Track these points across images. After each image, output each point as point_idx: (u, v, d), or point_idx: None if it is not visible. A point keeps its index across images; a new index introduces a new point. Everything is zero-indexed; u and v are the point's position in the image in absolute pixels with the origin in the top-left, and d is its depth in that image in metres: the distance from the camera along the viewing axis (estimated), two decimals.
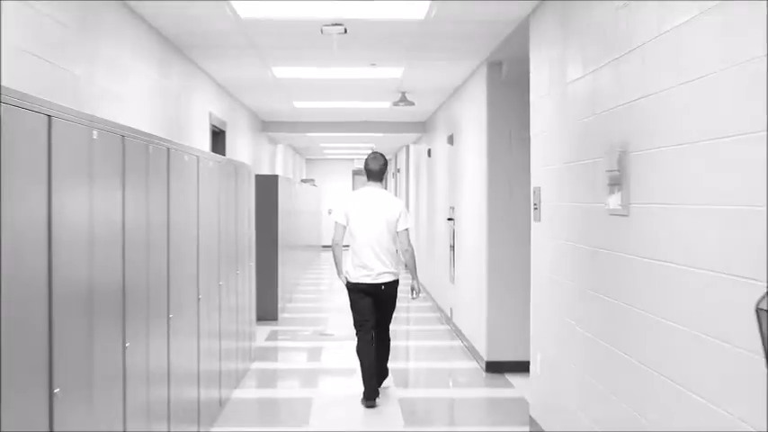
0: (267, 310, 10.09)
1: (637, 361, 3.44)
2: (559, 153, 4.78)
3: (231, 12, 5.70)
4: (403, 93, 9.61)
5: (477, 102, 7.83)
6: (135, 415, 3.59)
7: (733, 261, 2.62)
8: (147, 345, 3.81)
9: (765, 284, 2.39)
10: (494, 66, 7.31)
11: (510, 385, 6.82)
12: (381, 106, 11.22)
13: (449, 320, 9.85)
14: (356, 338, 6.35)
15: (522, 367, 6.53)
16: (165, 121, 6.58)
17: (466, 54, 7.26)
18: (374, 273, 6.22)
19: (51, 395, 2.65)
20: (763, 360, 2.34)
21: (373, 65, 7.93)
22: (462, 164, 8.95)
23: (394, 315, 6.58)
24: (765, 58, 2.42)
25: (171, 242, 4.24)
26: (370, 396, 6.17)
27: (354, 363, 6.58)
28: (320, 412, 6.03)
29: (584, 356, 4.25)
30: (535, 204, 5.36)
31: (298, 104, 11.16)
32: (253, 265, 7.47)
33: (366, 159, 6.51)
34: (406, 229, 6.36)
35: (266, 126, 13.47)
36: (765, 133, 2.42)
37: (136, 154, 3.63)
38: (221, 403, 5.85)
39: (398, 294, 6.50)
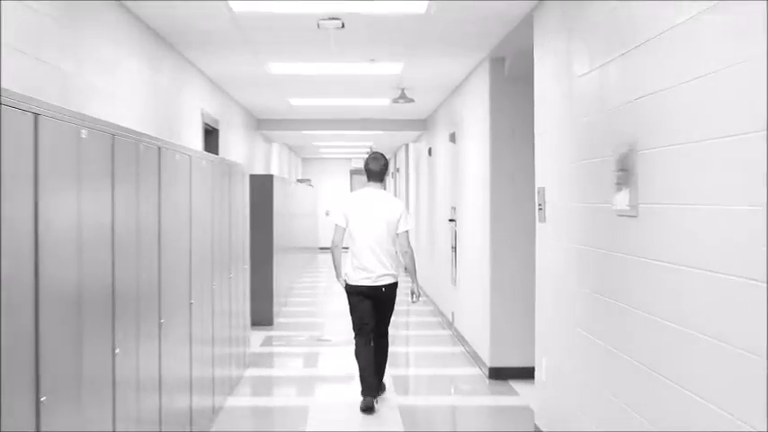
0: (262, 315, 10.09)
1: (648, 368, 3.44)
2: (565, 152, 4.78)
3: (224, 5, 5.70)
4: (402, 89, 9.61)
5: (480, 98, 7.84)
6: (125, 424, 3.59)
7: (750, 264, 2.61)
8: (137, 351, 3.80)
9: None
10: (496, 61, 7.31)
11: (514, 393, 6.82)
12: (380, 103, 11.21)
13: (450, 325, 9.85)
14: (354, 342, 6.40)
15: (526, 374, 6.52)
16: (156, 119, 6.58)
17: (467, 49, 7.26)
18: (374, 275, 6.27)
19: (38, 403, 2.65)
20: None
21: (372, 61, 7.93)
22: (464, 163, 8.95)
23: (393, 319, 6.61)
24: None
25: (162, 245, 4.24)
26: (369, 393, 6.21)
27: (353, 369, 6.58)
28: (317, 421, 6.03)
29: (591, 363, 4.25)
30: (540, 205, 5.36)
31: (293, 102, 11.16)
32: (247, 267, 7.47)
33: (366, 159, 6.54)
34: (407, 231, 6.41)
35: (261, 124, 13.47)
36: None
37: (126, 153, 3.63)
38: (214, 411, 5.85)
39: (397, 297, 6.52)
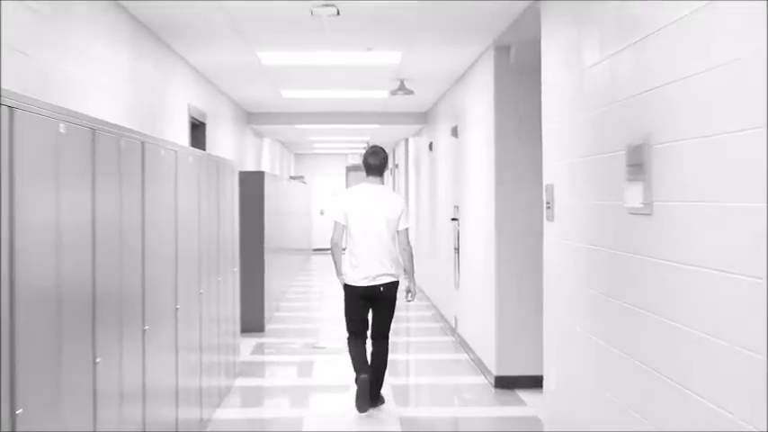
0: (252, 321, 10.09)
1: (668, 378, 3.43)
2: (575, 146, 4.78)
3: None
4: (401, 80, 9.61)
5: (484, 90, 7.84)
6: None
7: None
8: (119, 360, 3.80)
9: None
10: (501, 50, 7.31)
11: (522, 402, 6.82)
12: (378, 95, 11.22)
13: (453, 331, 9.85)
14: (347, 343, 6.58)
15: (535, 383, 6.52)
16: (138, 112, 6.57)
17: (470, 37, 7.26)
18: (372, 275, 6.35)
19: (14, 416, 2.64)
20: None
21: (369, 49, 7.92)
22: (467, 158, 8.95)
23: (393, 326, 6.63)
24: None
25: (146, 246, 4.24)
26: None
27: (349, 379, 6.58)
28: None
29: (604, 371, 4.25)
30: (548, 203, 5.36)
31: (286, 94, 11.16)
32: (237, 271, 7.47)
33: (364, 154, 6.64)
34: (407, 229, 6.53)
35: (251, 118, 13.47)
36: None
37: (107, 149, 3.62)
38: (202, 424, 5.84)
39: (397, 301, 6.57)
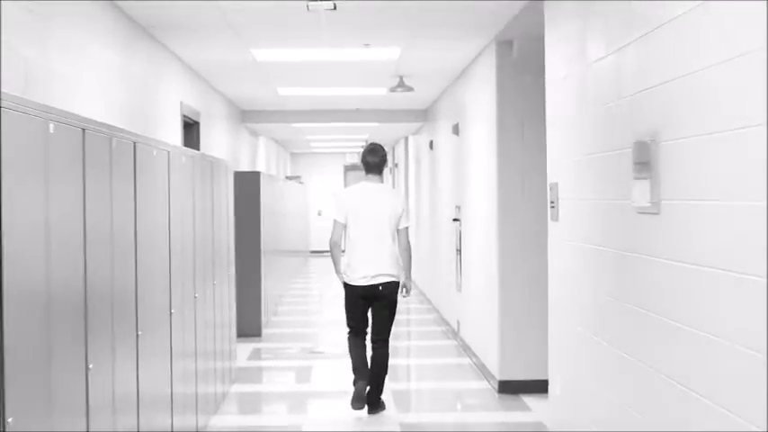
0: (249, 326, 10.08)
1: (676, 381, 3.43)
2: (579, 143, 4.78)
3: None
4: (401, 77, 9.61)
5: (486, 86, 7.83)
6: None
7: None
8: (112, 366, 3.79)
9: None
10: (504, 45, 7.31)
11: (526, 408, 6.82)
12: (376, 93, 11.21)
13: (455, 334, 9.85)
14: (347, 340, 6.66)
15: (539, 387, 6.52)
16: (130, 111, 6.57)
17: (472, 32, 7.26)
18: (371, 274, 6.41)
19: (4, 425, 2.64)
20: None
21: (367, 45, 7.92)
22: (469, 157, 8.95)
23: (393, 329, 6.64)
24: None
25: (139, 249, 4.23)
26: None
27: (348, 384, 6.58)
28: None
29: (610, 375, 4.24)
30: (552, 202, 5.35)
31: (281, 91, 11.16)
32: (232, 273, 7.47)
33: (363, 152, 6.69)
34: (407, 228, 6.61)
35: (246, 116, 13.46)
36: None
37: (98, 149, 3.62)
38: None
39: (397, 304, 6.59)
